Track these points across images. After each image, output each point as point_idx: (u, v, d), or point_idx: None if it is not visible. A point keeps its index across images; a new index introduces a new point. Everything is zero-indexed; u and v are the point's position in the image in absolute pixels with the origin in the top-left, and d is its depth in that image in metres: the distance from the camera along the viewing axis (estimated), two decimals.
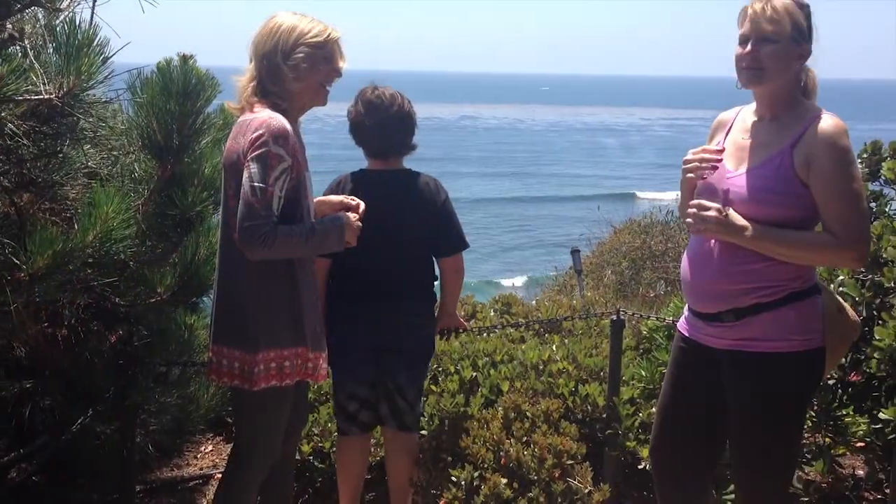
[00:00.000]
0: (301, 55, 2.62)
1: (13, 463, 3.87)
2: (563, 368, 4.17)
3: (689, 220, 2.41)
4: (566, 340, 4.56)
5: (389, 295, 3.16)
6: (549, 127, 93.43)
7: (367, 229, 2.82)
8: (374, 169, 3.28)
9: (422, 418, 4.08)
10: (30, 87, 2.30)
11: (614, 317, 3.96)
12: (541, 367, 4.23)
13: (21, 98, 2.19)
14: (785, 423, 2.45)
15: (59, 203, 2.94)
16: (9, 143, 2.47)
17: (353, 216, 2.79)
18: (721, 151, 2.50)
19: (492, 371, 4.23)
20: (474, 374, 4.27)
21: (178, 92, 3.05)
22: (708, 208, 2.35)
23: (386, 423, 3.28)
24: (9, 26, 2.51)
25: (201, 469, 4.35)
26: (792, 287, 2.39)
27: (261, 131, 2.48)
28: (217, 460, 4.45)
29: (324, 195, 3.18)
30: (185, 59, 3.10)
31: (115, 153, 3.22)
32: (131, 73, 3.02)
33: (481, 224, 36.81)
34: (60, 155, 2.51)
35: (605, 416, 3.96)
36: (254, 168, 2.46)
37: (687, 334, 2.63)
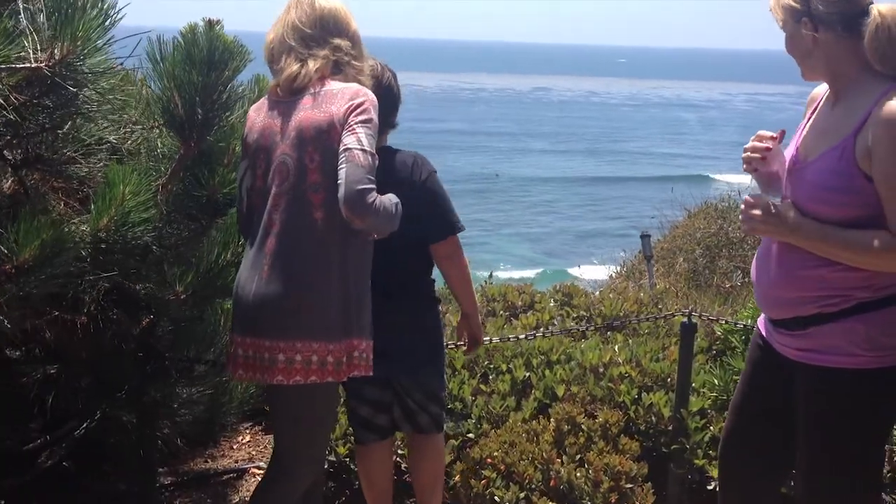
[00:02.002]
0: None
1: (42, 448, 3.72)
2: (626, 373, 3.79)
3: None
4: (630, 341, 4.17)
5: (381, 289, 2.81)
6: (625, 100, 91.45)
7: None
8: None
9: (469, 421, 3.78)
10: (22, 53, 2.01)
11: (685, 320, 3.55)
12: (601, 371, 3.86)
13: (3, 67, 1.91)
14: (850, 446, 2.17)
15: (72, 182, 2.68)
16: (8, 116, 2.20)
17: None
18: (775, 139, 2.21)
19: (547, 372, 3.88)
20: (527, 374, 3.93)
21: (203, 61, 2.76)
22: (756, 205, 2.14)
23: (400, 426, 2.97)
24: None
25: (237, 462, 4.13)
26: (859, 297, 2.11)
27: (362, 99, 2.39)
28: (254, 453, 4.23)
29: None
30: (210, 24, 2.79)
31: (134, 127, 2.96)
32: (150, 38, 2.74)
33: (549, 203, 36.15)
34: (60, 131, 2.22)
35: (671, 428, 3.57)
36: (361, 132, 2.34)
37: (764, 335, 2.39)
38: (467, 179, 40.11)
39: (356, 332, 2.44)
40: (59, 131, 2.30)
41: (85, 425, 3.35)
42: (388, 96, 2.80)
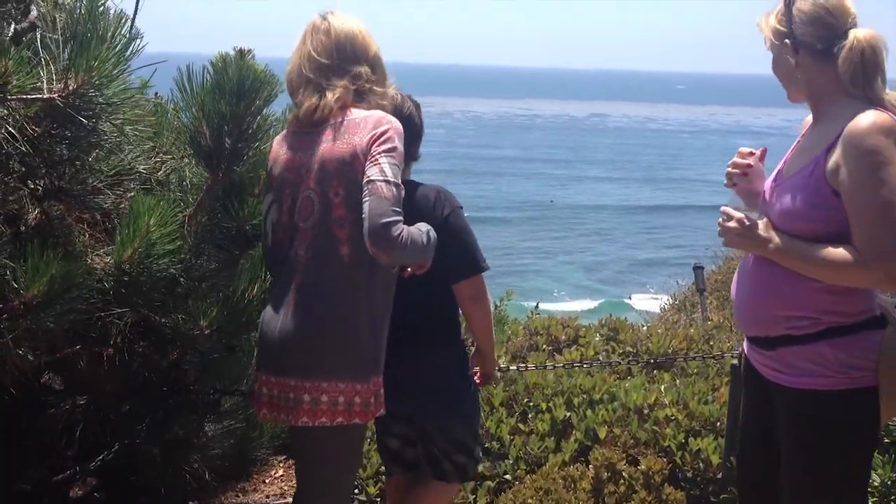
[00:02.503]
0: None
1: (73, 479, 3.69)
2: (672, 416, 3.60)
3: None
4: (677, 381, 3.97)
5: (405, 325, 2.66)
6: (683, 126, 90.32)
7: None
8: None
9: (506, 462, 3.63)
10: (38, 83, 1.97)
11: (736, 361, 3.35)
12: (646, 412, 3.67)
13: (12, 98, 1.86)
14: (833, 467, 2.15)
15: (96, 213, 2.64)
16: (21, 147, 2.17)
17: None
18: (753, 154, 2.36)
19: (588, 412, 3.71)
20: (568, 413, 3.76)
21: (232, 91, 2.71)
22: (732, 217, 2.18)
23: (421, 467, 2.81)
24: (33, 12, 2.21)
25: (268, 497, 4.04)
26: (828, 321, 2.10)
27: (386, 127, 2.30)
28: (286, 487, 4.13)
29: None
30: (241, 54, 2.74)
31: (165, 157, 2.92)
32: (179, 68, 2.70)
33: (605, 231, 35.66)
34: (78, 162, 2.17)
35: (719, 476, 3.36)
36: (385, 163, 2.25)
37: (746, 352, 2.40)
38: (522, 206, 39.94)
39: (381, 370, 2.36)
40: (77, 162, 2.24)
41: (106, 456, 3.30)
42: (409, 127, 2.65)
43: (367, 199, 2.20)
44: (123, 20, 2.17)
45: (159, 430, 2.98)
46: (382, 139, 2.27)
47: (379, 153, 2.25)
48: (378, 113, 2.34)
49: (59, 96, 1.90)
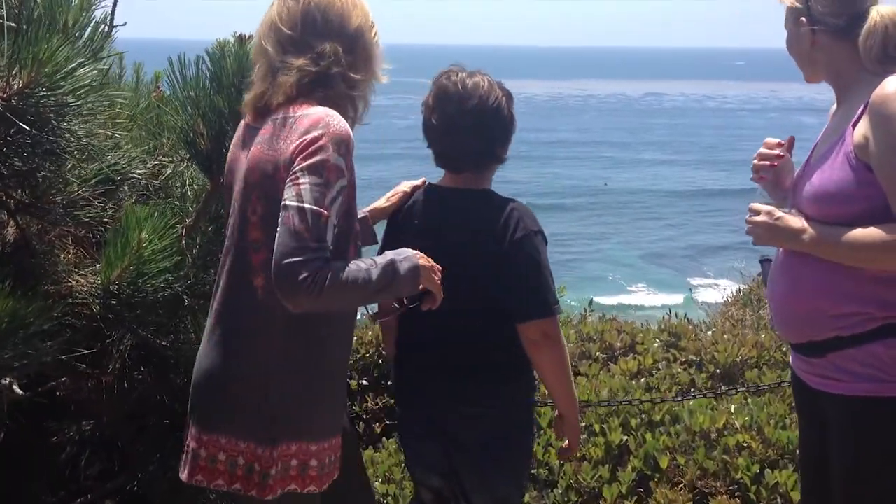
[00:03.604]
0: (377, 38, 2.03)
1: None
2: (745, 442, 3.16)
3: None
4: (749, 401, 3.52)
5: (444, 366, 2.27)
6: (742, 105, 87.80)
7: None
8: (441, 185, 2.37)
9: (555, 491, 3.25)
10: None
11: None
12: (713, 437, 3.24)
13: None
14: (887, 485, 1.94)
15: (79, 227, 2.32)
16: None
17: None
18: (781, 145, 2.22)
19: (648, 436, 3.30)
20: (625, 437, 3.35)
21: (230, 85, 2.36)
22: (759, 212, 2.03)
23: None
24: None
25: None
26: (884, 317, 1.90)
27: (318, 133, 1.79)
28: None
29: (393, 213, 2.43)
30: (241, 40, 2.40)
31: (164, 160, 2.59)
32: (170, 58, 2.36)
33: (661, 216, 34.67)
34: (40, 174, 1.85)
35: None
36: (304, 182, 1.76)
37: (791, 362, 2.21)
38: (575, 190, 39.15)
39: (296, 435, 1.88)
40: (39, 174, 1.91)
41: (116, 485, 3.04)
42: (496, 122, 2.26)
43: (278, 230, 1.75)
44: (89, 4, 1.83)
45: (160, 470, 2.67)
46: (310, 150, 1.78)
47: (300, 169, 1.77)
48: (318, 111, 1.83)
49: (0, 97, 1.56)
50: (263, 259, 1.84)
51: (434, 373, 2.29)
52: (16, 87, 1.58)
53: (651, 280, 24.64)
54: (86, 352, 2.37)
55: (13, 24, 1.63)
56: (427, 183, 2.41)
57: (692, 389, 3.90)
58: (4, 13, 1.80)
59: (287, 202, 1.76)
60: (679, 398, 3.56)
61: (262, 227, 1.84)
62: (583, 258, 27.42)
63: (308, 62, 1.87)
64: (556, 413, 2.38)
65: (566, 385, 2.28)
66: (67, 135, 1.78)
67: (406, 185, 2.44)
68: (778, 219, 2.00)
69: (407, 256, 1.92)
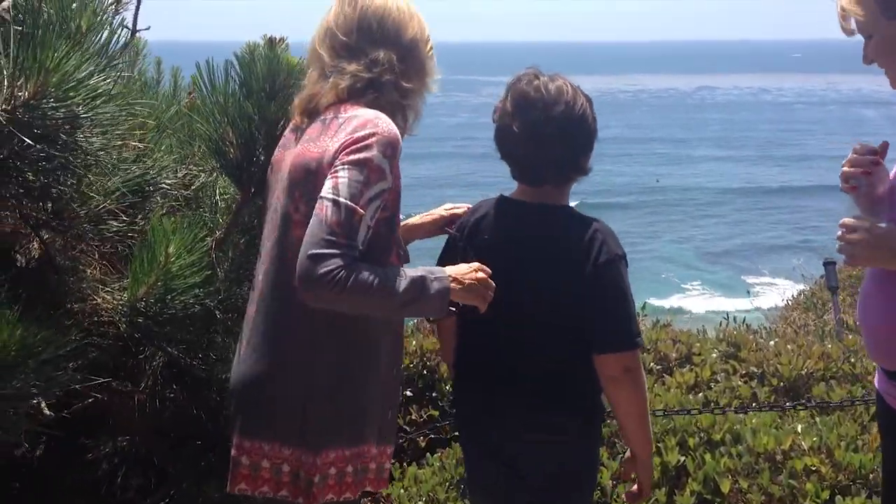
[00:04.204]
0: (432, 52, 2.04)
1: None
2: (813, 466, 2.94)
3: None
4: (817, 419, 3.29)
5: (510, 390, 2.11)
6: (798, 98, 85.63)
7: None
8: (516, 199, 2.20)
9: None
10: None
11: None
12: (779, 459, 3.03)
13: None
14: None
15: (105, 242, 2.22)
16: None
17: (469, 270, 1.92)
18: (875, 151, 1.96)
19: (707, 457, 3.09)
20: (682, 458, 3.15)
21: (260, 90, 2.24)
22: (856, 228, 1.80)
23: None
24: (6, 2, 1.78)
25: None
26: None
27: (368, 132, 1.78)
28: None
29: (455, 229, 2.26)
30: (272, 43, 2.27)
31: (195, 170, 2.49)
32: (198, 64, 2.25)
33: (713, 216, 33.89)
34: (55, 190, 1.74)
35: None
36: (343, 177, 1.74)
37: (878, 387, 2.03)
38: (626, 189, 38.52)
39: (337, 441, 1.85)
40: (53, 189, 1.80)
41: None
42: (581, 131, 2.09)
43: (311, 220, 1.73)
44: (103, 8, 1.72)
45: (192, 491, 2.57)
46: (356, 146, 1.75)
47: (343, 164, 1.75)
48: (368, 113, 1.82)
49: (2, 111, 1.45)
50: None
51: (498, 390, 2.14)
52: (21, 98, 1.47)
53: (706, 279, 24.12)
54: (104, 378, 2.28)
55: (19, 29, 1.52)
56: (500, 195, 2.26)
57: (754, 404, 3.69)
58: (10, 17, 1.71)
59: (323, 194, 1.73)
60: (741, 412, 3.35)
61: (305, 225, 1.76)
62: (636, 256, 26.97)
63: (361, 68, 1.87)
64: (628, 452, 2.19)
65: (644, 425, 2.10)
66: (82, 147, 1.66)
67: (443, 209, 2.33)
68: (881, 235, 1.77)
69: (439, 277, 1.83)
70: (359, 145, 1.75)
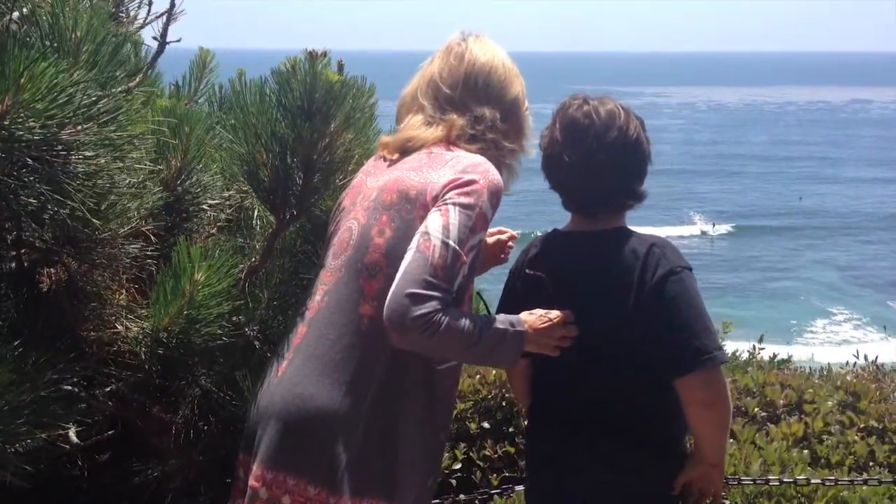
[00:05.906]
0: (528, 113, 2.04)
1: None
2: None
3: None
4: None
5: (575, 430, 1.97)
6: None
7: None
8: (569, 231, 2.08)
9: None
10: None
11: None
12: None
13: None
14: None
15: (130, 268, 2.12)
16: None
17: (548, 317, 1.88)
18: None
19: None
20: None
21: (299, 108, 2.08)
22: None
23: None
24: (15, 13, 1.71)
25: None
26: None
27: (475, 176, 1.78)
28: None
29: (510, 270, 2.18)
30: (312, 58, 2.11)
31: (230, 193, 2.37)
32: (230, 79, 2.13)
33: (863, 241, 31.54)
34: (49, 211, 1.63)
35: None
36: (454, 219, 1.72)
37: None
38: (767, 211, 36.54)
39: (377, 492, 1.74)
40: (47, 213, 1.69)
41: None
42: (634, 156, 1.99)
43: (409, 253, 1.69)
44: (103, 19, 1.59)
45: None
46: (465, 189, 1.74)
47: (454, 204, 1.72)
48: (477, 157, 1.83)
49: None
50: (379, 288, 1.74)
51: (563, 429, 2.02)
52: None
53: (849, 304, 22.56)
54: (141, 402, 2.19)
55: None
56: (554, 229, 2.16)
57: (871, 463, 3.24)
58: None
59: (430, 231, 1.70)
60: (851, 482, 2.92)
61: (386, 251, 1.76)
62: (772, 278, 25.54)
63: (466, 123, 1.88)
64: (698, 459, 1.99)
65: (725, 437, 1.99)
66: (73, 170, 1.54)
67: (489, 239, 2.19)
68: None
69: (518, 331, 1.80)
70: (469, 188, 1.74)
